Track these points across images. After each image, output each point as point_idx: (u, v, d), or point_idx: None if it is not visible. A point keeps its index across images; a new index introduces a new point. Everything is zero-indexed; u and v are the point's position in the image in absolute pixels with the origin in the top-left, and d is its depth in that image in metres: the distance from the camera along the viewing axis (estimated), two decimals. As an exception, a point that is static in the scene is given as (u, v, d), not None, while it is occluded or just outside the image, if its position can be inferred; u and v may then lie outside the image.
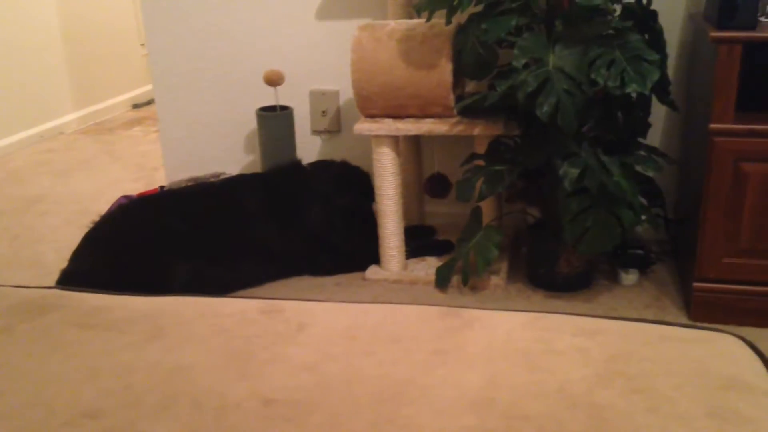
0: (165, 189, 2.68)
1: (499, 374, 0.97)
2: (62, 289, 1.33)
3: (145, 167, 3.51)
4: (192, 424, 0.93)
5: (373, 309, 1.19)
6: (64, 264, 2.22)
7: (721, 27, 1.84)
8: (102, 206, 2.74)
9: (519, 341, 1.05)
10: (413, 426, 0.90)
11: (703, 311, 1.99)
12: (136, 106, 4.72)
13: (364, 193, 2.40)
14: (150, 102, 4.53)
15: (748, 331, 1.92)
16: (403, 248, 2.31)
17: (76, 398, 1.00)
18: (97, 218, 2.31)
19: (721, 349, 1.01)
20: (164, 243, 2.20)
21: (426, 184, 2.46)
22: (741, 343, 1.03)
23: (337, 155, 2.68)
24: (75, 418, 0.96)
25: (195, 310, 1.20)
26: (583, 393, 0.92)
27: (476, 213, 2.20)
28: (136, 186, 3.15)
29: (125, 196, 2.67)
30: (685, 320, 2.01)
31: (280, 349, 1.08)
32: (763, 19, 1.98)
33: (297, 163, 2.45)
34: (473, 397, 0.94)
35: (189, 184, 2.60)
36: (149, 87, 2.79)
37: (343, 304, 1.21)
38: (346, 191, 2.38)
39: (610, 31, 1.94)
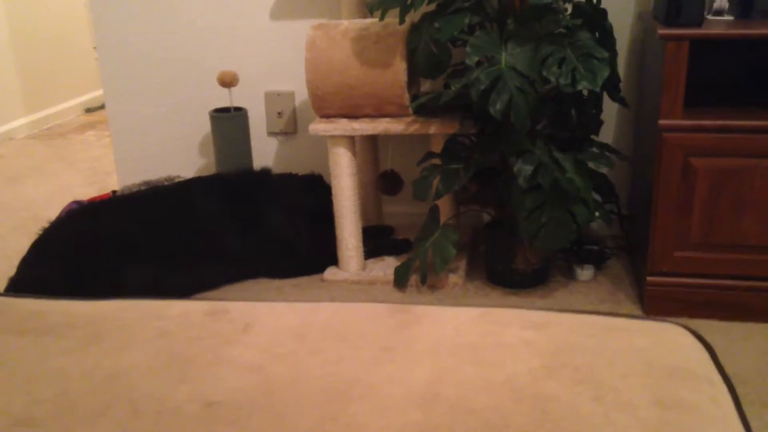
0: (117, 193, 2.62)
1: (446, 369, 0.96)
2: (-1, 295, 1.28)
3: (98, 172, 3.43)
4: (129, 430, 0.90)
5: (321, 308, 1.16)
6: (12, 272, 2.15)
7: (668, 24, 1.86)
8: (53, 212, 2.67)
9: (467, 336, 1.04)
10: (358, 424, 0.88)
11: (657, 305, 2.01)
12: (89, 111, 4.62)
13: (323, 199, 2.38)
14: (104, 106, 4.43)
15: (700, 324, 1.95)
16: (361, 249, 2.30)
17: (7, 406, 0.96)
18: (46, 224, 2.24)
19: (666, 339, 1.01)
20: (116, 248, 2.15)
21: (378, 181, 2.45)
22: (686, 332, 1.04)
23: (294, 156, 2.66)
24: (6, 427, 0.92)
25: (137, 314, 1.17)
26: (529, 385, 0.91)
27: (433, 212, 2.20)
28: (89, 191, 3.08)
29: (76, 202, 2.60)
30: (638, 314, 2.03)
31: (224, 350, 1.05)
32: (709, 16, 2.02)
33: (261, 169, 2.43)
34: (419, 393, 0.92)
35: (142, 188, 2.55)
36: (103, 91, 2.73)
37: (292, 304, 1.19)
38: (307, 195, 2.36)
39: (561, 30, 1.95)
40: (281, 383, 0.97)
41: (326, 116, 2.22)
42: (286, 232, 2.30)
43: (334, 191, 2.24)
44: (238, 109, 2.53)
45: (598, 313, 1.10)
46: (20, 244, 2.48)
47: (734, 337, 1.91)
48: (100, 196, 2.70)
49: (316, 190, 2.42)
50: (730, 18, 2.01)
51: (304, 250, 2.33)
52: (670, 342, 1.00)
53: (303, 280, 2.31)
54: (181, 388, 0.97)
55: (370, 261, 2.36)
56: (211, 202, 2.28)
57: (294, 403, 0.93)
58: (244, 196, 2.31)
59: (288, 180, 2.42)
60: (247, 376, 0.99)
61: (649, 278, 2.00)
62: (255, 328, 1.10)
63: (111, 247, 2.15)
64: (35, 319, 1.16)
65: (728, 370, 1.68)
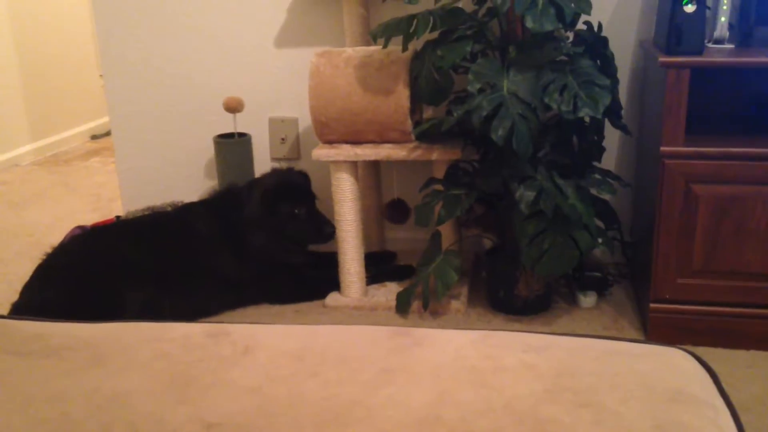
0: (121, 219, 2.63)
1: (446, 392, 0.96)
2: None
3: (102, 198, 3.45)
4: (128, 451, 0.89)
5: (322, 330, 1.16)
6: (15, 297, 2.15)
7: (669, 52, 1.88)
8: (56, 238, 2.67)
9: (468, 359, 1.03)
10: (357, 447, 0.87)
11: (660, 332, 2.00)
12: (94, 138, 4.66)
13: (297, 197, 2.31)
14: (109, 133, 4.47)
15: (704, 351, 1.94)
16: (363, 274, 2.29)
17: (8, 428, 0.96)
18: (50, 250, 2.25)
19: (668, 363, 1.00)
20: (117, 273, 2.15)
21: (385, 209, 2.46)
22: (688, 356, 1.03)
23: (297, 182, 2.67)
24: (4, 449, 0.92)
25: (138, 336, 1.17)
26: (530, 408, 0.90)
27: (435, 237, 2.20)
28: (93, 217, 3.09)
29: (79, 227, 2.61)
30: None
31: (223, 372, 1.05)
32: (710, 45, 2.04)
33: (236, 187, 2.38)
34: (419, 416, 0.91)
35: (146, 213, 2.56)
36: (108, 118, 2.76)
37: (292, 326, 1.19)
38: (276, 204, 2.28)
39: (563, 57, 1.97)
40: (280, 405, 0.96)
41: (329, 142, 2.24)
42: (267, 249, 2.27)
43: (336, 217, 2.24)
44: (242, 135, 2.55)
45: (599, 336, 1.09)
46: (23, 270, 2.48)
47: (738, 365, 1.89)
48: (103, 222, 2.71)
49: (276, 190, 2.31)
50: (731, 46, 2.03)
51: (291, 260, 2.30)
52: (672, 366, 1.00)
53: (304, 306, 2.31)
54: (180, 409, 0.97)
55: (372, 287, 2.35)
56: (204, 226, 2.28)
57: (293, 425, 0.92)
58: (229, 218, 2.29)
59: (249, 190, 2.32)
60: (247, 398, 0.99)
61: (652, 305, 1.99)
62: (255, 351, 1.10)
63: (111, 272, 2.15)
64: (37, 341, 1.16)
65: (732, 398, 1.66)
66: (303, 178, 2.38)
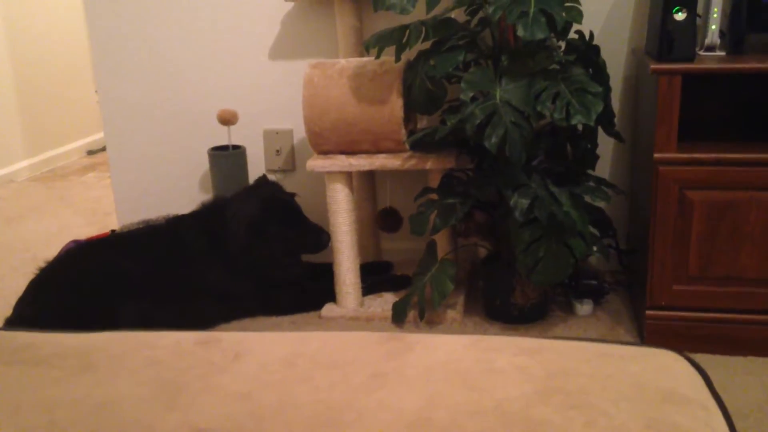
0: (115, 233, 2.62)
1: (437, 395, 0.95)
2: (-9, 327, 1.27)
3: (97, 212, 3.44)
4: (116, 458, 0.88)
5: (313, 336, 1.15)
6: (9, 312, 2.14)
7: (660, 60, 1.89)
8: (52, 253, 2.67)
9: (459, 362, 1.02)
10: (347, 451, 0.86)
11: (657, 339, 1.99)
12: (90, 153, 4.67)
13: (283, 217, 2.30)
14: (105, 148, 4.48)
15: (701, 358, 1.93)
16: (359, 285, 2.29)
17: (-6, 436, 0.95)
18: (44, 264, 2.24)
19: (659, 365, 1.00)
20: (110, 286, 2.14)
21: (377, 218, 2.45)
22: (679, 358, 1.03)
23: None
24: (-9, 457, 0.91)
25: (128, 344, 1.16)
26: (521, 410, 0.89)
27: (431, 247, 2.20)
28: (88, 231, 3.09)
29: (74, 241, 2.61)
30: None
31: (214, 378, 1.04)
32: (701, 52, 2.05)
33: (224, 199, 2.37)
34: (410, 419, 0.91)
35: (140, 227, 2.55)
36: (103, 132, 2.78)
37: (283, 333, 1.18)
38: (263, 230, 2.26)
39: (555, 65, 1.98)
40: (271, 411, 0.96)
41: (324, 152, 2.24)
42: (263, 260, 2.26)
43: (332, 228, 2.24)
44: (237, 147, 2.55)
45: (590, 339, 1.09)
46: (18, 285, 2.47)
47: (735, 371, 1.88)
48: (99, 236, 2.70)
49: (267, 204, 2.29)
50: (722, 53, 2.04)
51: (284, 273, 2.30)
52: (663, 367, 0.99)
53: (300, 317, 2.30)
54: (170, 416, 0.96)
55: (368, 297, 2.34)
56: (194, 240, 2.27)
57: (283, 430, 0.92)
58: (218, 232, 2.28)
59: (239, 201, 2.31)
60: (237, 403, 0.98)
61: (648, 312, 1.98)
62: (246, 357, 1.09)
63: (104, 285, 2.14)
64: (27, 350, 1.16)
65: (729, 404, 1.66)
66: (285, 193, 2.36)
